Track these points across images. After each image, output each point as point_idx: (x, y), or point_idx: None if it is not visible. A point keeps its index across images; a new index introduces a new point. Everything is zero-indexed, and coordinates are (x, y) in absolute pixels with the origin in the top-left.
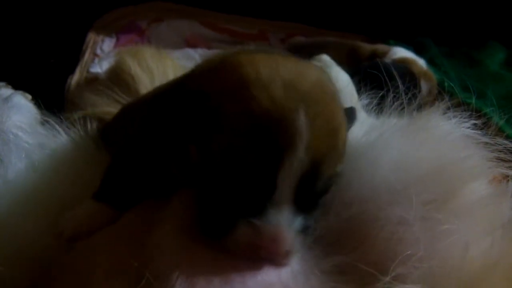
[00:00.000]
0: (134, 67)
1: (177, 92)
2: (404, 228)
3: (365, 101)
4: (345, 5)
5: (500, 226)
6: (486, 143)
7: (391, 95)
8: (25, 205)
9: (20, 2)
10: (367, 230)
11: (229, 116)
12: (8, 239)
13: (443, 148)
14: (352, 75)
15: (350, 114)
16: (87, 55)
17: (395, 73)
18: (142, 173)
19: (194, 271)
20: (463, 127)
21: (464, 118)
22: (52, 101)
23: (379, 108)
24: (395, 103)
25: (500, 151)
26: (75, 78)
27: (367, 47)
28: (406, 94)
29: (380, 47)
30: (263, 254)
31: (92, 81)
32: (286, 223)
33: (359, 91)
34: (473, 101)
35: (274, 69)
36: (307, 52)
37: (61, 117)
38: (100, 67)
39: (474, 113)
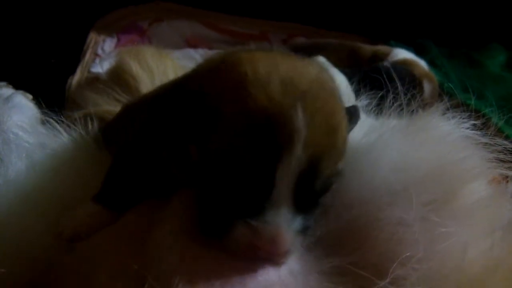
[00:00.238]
0: (134, 67)
1: (177, 92)
2: (403, 229)
3: (364, 102)
4: (346, 6)
5: (499, 228)
6: (486, 143)
7: (390, 96)
8: (25, 205)
9: (21, 2)
10: (367, 231)
11: (227, 116)
12: (8, 239)
13: (442, 148)
14: (351, 77)
15: (353, 113)
16: (88, 55)
17: (395, 75)
18: (143, 173)
19: (195, 272)
20: (463, 127)
21: (464, 118)
22: (53, 101)
23: (378, 109)
24: (395, 104)
25: (500, 152)
26: (76, 78)
27: (368, 48)
28: (406, 95)
29: (382, 48)
30: (262, 254)
31: (93, 81)
32: (284, 223)
33: (358, 92)
34: (473, 102)
35: (272, 67)
36: (308, 53)
37: (62, 116)
38: (101, 67)
39: (473, 113)
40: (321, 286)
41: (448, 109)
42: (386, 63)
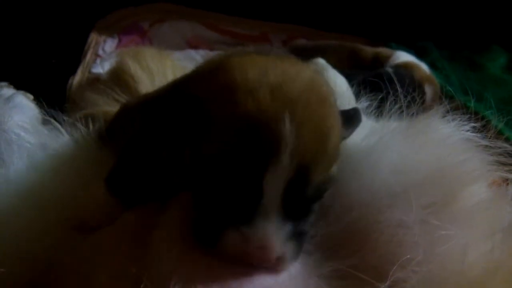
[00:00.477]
0: (134, 68)
1: (173, 95)
2: (403, 231)
3: (365, 104)
4: (347, 8)
5: (500, 230)
6: (486, 146)
7: (390, 98)
8: (25, 205)
9: (22, 2)
10: (367, 234)
11: (217, 121)
12: (8, 239)
13: (442, 151)
14: (351, 79)
15: (354, 115)
16: (89, 56)
17: (395, 79)
18: (145, 173)
19: (191, 277)
20: (463, 130)
21: (464, 121)
22: (54, 101)
23: (378, 111)
24: (395, 107)
25: (500, 154)
26: (77, 78)
27: (369, 50)
28: (405, 97)
29: (383, 51)
30: (252, 261)
31: (94, 81)
32: (273, 230)
33: (358, 94)
34: (472, 104)
35: (262, 73)
36: (308, 54)
37: (63, 117)
38: (102, 68)
39: (473, 116)
40: None
41: (448, 111)
42: (388, 69)
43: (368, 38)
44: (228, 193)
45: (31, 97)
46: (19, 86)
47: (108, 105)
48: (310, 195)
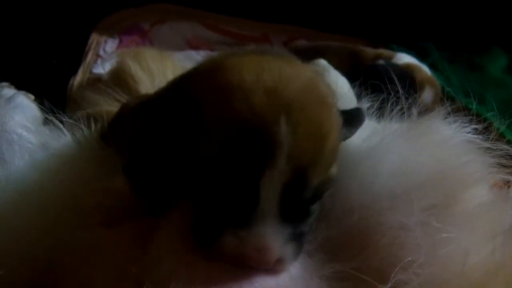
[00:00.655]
0: (135, 68)
1: (173, 94)
2: (405, 233)
3: (366, 105)
4: (347, 9)
5: (501, 232)
6: (487, 148)
7: (392, 99)
8: (27, 204)
9: (23, 2)
10: (369, 236)
11: (212, 124)
12: (9, 239)
13: (444, 153)
14: (352, 79)
15: (356, 115)
16: (89, 56)
17: (393, 76)
18: (153, 171)
19: (191, 279)
20: (464, 132)
21: (465, 123)
22: (55, 102)
23: (379, 112)
24: (396, 108)
25: (501, 157)
26: (78, 78)
27: (370, 51)
28: (407, 98)
29: (385, 52)
30: (251, 263)
31: (95, 81)
32: (271, 233)
33: (359, 95)
34: (474, 106)
35: (259, 74)
36: (309, 55)
37: (64, 117)
38: (103, 68)
39: (474, 118)
40: None
41: (449, 113)
42: (382, 61)
43: (369, 40)
44: (225, 195)
45: (32, 97)
46: (20, 86)
47: (109, 105)
48: (309, 196)
